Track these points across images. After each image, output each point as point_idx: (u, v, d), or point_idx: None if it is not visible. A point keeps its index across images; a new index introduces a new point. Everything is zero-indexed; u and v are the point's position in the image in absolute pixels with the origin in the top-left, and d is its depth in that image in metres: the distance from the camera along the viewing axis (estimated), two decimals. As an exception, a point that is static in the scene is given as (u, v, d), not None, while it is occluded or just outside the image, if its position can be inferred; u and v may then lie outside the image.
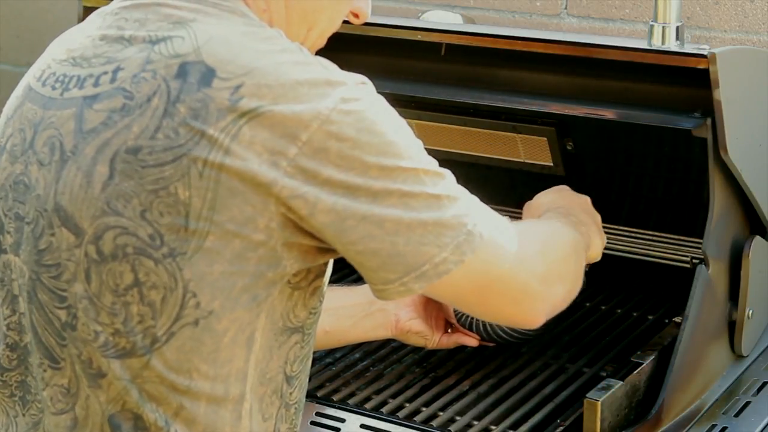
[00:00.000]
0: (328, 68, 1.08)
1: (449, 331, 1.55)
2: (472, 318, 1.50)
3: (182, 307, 1.06)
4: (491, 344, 1.55)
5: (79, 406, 1.10)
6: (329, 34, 1.23)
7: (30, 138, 1.12)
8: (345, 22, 1.26)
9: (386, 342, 1.63)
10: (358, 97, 1.06)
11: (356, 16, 1.25)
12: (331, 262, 1.16)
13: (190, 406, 1.09)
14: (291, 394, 1.17)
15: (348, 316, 1.44)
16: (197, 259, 1.05)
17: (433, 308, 1.53)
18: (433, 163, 1.10)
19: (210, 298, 1.06)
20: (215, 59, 1.06)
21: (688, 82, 1.40)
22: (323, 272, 1.15)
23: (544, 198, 1.45)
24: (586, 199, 1.46)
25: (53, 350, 1.11)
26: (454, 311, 1.51)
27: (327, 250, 1.10)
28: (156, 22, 1.11)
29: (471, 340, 1.53)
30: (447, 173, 1.11)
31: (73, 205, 1.08)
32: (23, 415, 1.15)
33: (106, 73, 1.10)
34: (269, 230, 1.05)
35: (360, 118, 1.05)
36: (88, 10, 1.72)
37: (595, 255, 1.41)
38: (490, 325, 1.50)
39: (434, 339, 1.53)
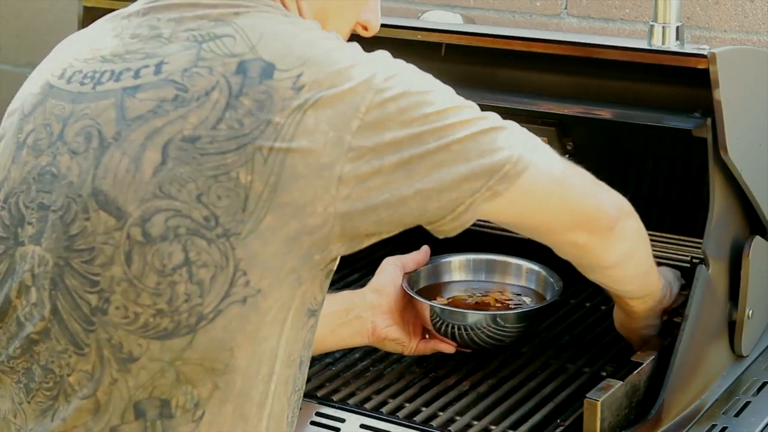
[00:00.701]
0: (360, 51, 1.16)
1: (426, 337, 1.55)
2: (448, 325, 1.50)
3: (231, 285, 1.09)
4: (468, 351, 1.55)
5: (101, 391, 1.11)
6: (345, 31, 1.28)
7: (58, 131, 1.15)
8: (354, 34, 1.29)
9: (386, 342, 1.63)
10: (394, 63, 1.15)
11: (365, 28, 1.31)
12: None
13: (225, 386, 1.11)
14: (299, 379, 1.19)
15: (325, 324, 1.44)
16: (251, 239, 1.08)
17: (410, 315, 1.54)
18: (473, 104, 1.18)
19: (259, 277, 1.09)
20: (272, 54, 1.11)
21: (688, 82, 1.40)
22: (338, 257, 1.17)
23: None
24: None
25: (77, 336, 1.12)
26: (431, 317, 1.52)
27: (375, 233, 1.15)
28: (194, 20, 1.15)
29: (448, 347, 1.54)
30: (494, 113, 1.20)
31: (116, 189, 1.10)
32: (28, 402, 1.16)
33: (147, 66, 1.13)
34: (326, 215, 1.09)
35: (405, 80, 1.13)
36: (88, 10, 1.72)
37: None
38: (466, 331, 1.50)
39: (411, 346, 1.54)
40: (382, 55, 1.16)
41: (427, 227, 1.18)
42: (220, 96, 1.09)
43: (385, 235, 1.16)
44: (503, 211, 1.19)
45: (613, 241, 1.29)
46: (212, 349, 1.09)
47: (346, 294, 1.54)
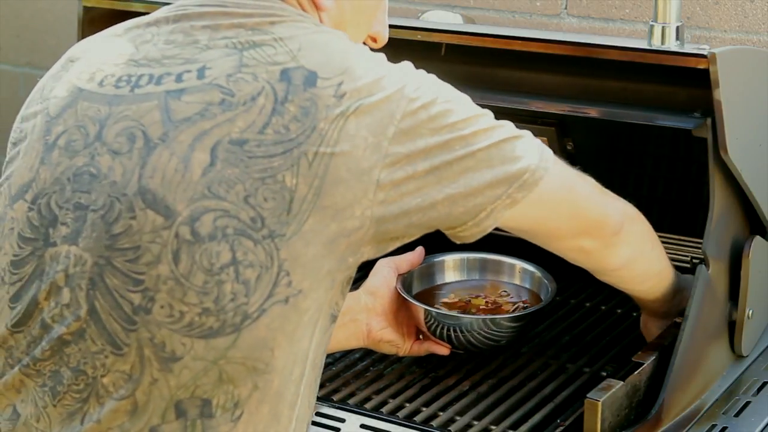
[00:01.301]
0: (386, 60, 1.20)
1: (420, 338, 1.56)
2: (443, 327, 1.51)
3: (275, 285, 1.11)
4: (462, 352, 1.55)
5: (140, 391, 1.12)
6: (360, 41, 1.31)
7: (95, 132, 1.17)
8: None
9: (386, 342, 1.63)
10: (420, 75, 1.20)
11: (374, 40, 1.35)
12: None
13: (263, 386, 1.13)
14: (317, 383, 1.21)
15: None
16: (295, 240, 1.11)
17: (404, 317, 1.55)
18: (487, 111, 1.23)
19: (301, 277, 1.12)
20: (313, 63, 1.15)
21: (688, 82, 1.40)
22: (358, 262, 1.20)
23: None
24: None
25: (117, 336, 1.13)
26: (425, 319, 1.52)
27: (402, 236, 1.19)
28: (230, 29, 1.18)
29: (442, 349, 1.55)
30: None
31: (165, 188, 1.12)
32: (53, 405, 1.16)
33: (189, 71, 1.16)
34: (363, 218, 1.13)
35: (432, 90, 1.18)
36: (88, 10, 1.72)
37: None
38: (461, 332, 1.50)
39: (405, 347, 1.56)
40: (408, 66, 1.20)
41: (447, 232, 1.23)
42: (266, 102, 1.13)
43: (407, 240, 1.20)
44: (520, 218, 1.23)
45: (617, 246, 1.35)
46: (255, 348, 1.11)
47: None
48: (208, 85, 1.15)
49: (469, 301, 1.60)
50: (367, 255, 1.17)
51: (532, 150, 1.22)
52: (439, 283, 1.65)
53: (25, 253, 1.18)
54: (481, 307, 1.59)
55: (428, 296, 1.60)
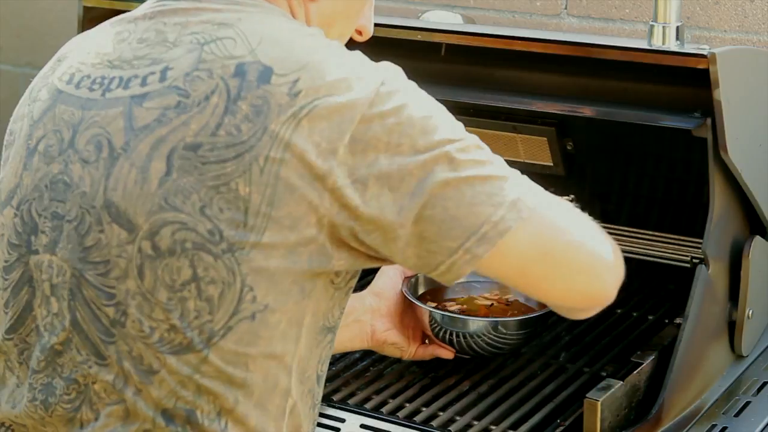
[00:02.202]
0: (365, 60, 1.13)
1: (426, 342, 1.55)
2: (448, 331, 1.50)
3: (240, 302, 1.08)
4: (467, 356, 1.55)
5: (126, 401, 1.11)
6: (347, 37, 1.28)
7: (69, 138, 1.13)
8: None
9: (386, 342, 1.63)
10: (398, 81, 1.11)
11: (360, 33, 1.30)
12: None
13: (244, 398, 1.10)
14: (318, 394, 1.19)
15: None
16: (255, 254, 1.07)
17: (409, 320, 1.54)
18: (475, 138, 1.12)
19: (265, 292, 1.08)
20: (270, 58, 1.09)
21: (688, 82, 1.40)
22: (358, 272, 1.16)
23: None
24: None
25: (98, 347, 1.11)
26: (430, 323, 1.51)
27: (376, 258, 1.12)
28: (199, 24, 1.13)
29: (447, 353, 1.54)
30: (488, 148, 1.13)
31: (126, 201, 1.09)
32: (50, 416, 1.14)
33: (153, 73, 1.12)
34: (321, 226, 1.08)
35: (405, 100, 1.09)
36: (88, 10, 1.72)
37: None
38: (465, 338, 1.50)
39: (410, 350, 1.54)
40: (387, 67, 1.12)
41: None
42: (219, 100, 1.08)
43: (391, 263, 1.13)
44: (491, 271, 1.12)
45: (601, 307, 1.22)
46: (227, 364, 1.09)
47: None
48: (167, 88, 1.10)
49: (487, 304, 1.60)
50: (342, 267, 1.11)
51: (503, 195, 1.09)
52: (445, 285, 1.64)
53: (12, 259, 1.16)
54: (489, 307, 1.59)
55: (434, 299, 1.60)
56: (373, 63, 1.13)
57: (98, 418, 1.12)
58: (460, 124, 1.13)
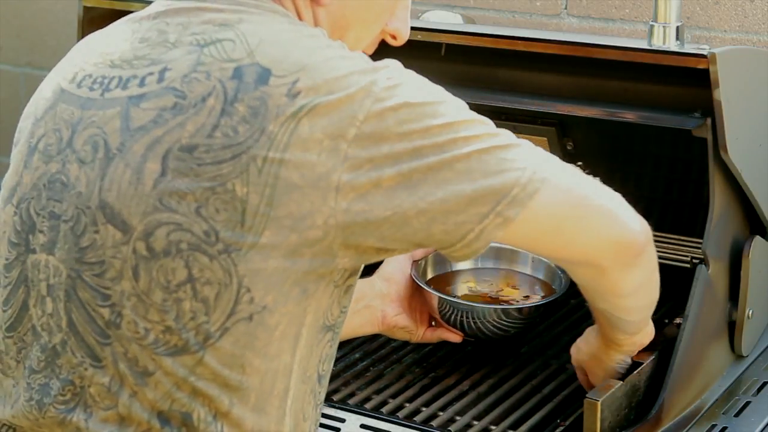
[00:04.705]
0: (366, 59, 1.12)
1: (433, 324, 1.56)
2: (456, 314, 1.51)
3: (236, 303, 1.07)
4: (473, 340, 1.56)
5: (121, 404, 1.10)
6: (367, 42, 1.25)
7: (67, 137, 1.13)
8: (383, 43, 1.27)
9: (386, 342, 1.63)
10: (400, 73, 1.11)
11: (394, 37, 1.27)
12: None
13: (240, 402, 1.09)
14: (320, 393, 1.18)
15: None
16: (252, 254, 1.06)
17: (417, 303, 1.55)
18: (481, 116, 1.13)
19: (264, 293, 1.07)
20: (269, 59, 1.08)
21: (688, 82, 1.40)
22: (357, 270, 1.15)
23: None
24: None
25: (94, 349, 1.11)
26: (438, 307, 1.52)
27: (384, 249, 1.11)
28: (200, 25, 1.13)
29: (454, 336, 1.54)
30: (493, 124, 1.14)
31: (120, 202, 1.08)
32: (43, 418, 1.14)
33: (151, 74, 1.11)
34: (327, 227, 1.06)
35: (408, 91, 1.09)
36: (88, 10, 1.72)
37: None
38: (474, 321, 1.51)
39: (419, 333, 1.55)
40: (389, 64, 1.11)
41: (441, 252, 1.14)
42: (215, 102, 1.07)
43: (399, 253, 1.13)
44: (519, 237, 1.13)
45: (635, 269, 1.23)
46: (224, 366, 1.08)
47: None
48: (165, 89, 1.09)
49: (491, 292, 1.61)
50: (346, 264, 1.10)
51: (525, 159, 1.10)
52: (453, 269, 1.65)
53: (12, 257, 1.16)
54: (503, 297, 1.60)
55: (442, 283, 1.60)
56: (374, 62, 1.12)
57: (92, 422, 1.11)
58: (464, 104, 1.13)
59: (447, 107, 1.10)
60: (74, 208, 1.11)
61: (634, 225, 1.20)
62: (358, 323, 1.50)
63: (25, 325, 1.16)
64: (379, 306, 1.52)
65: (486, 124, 1.12)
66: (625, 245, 1.19)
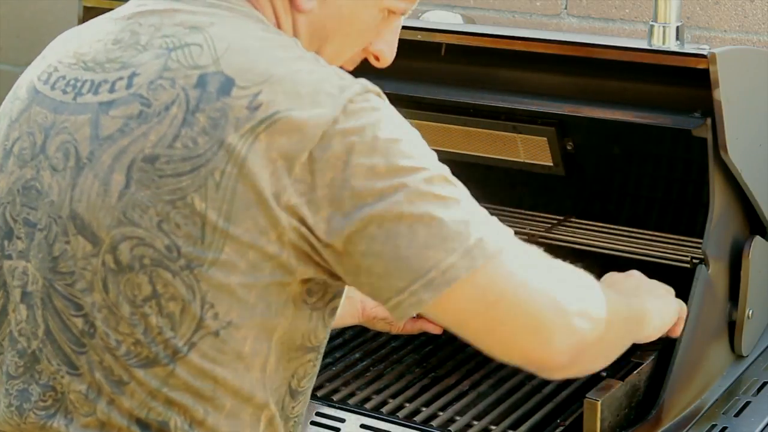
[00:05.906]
0: (343, 77, 1.07)
1: (415, 316, 1.55)
2: None
3: (201, 319, 1.05)
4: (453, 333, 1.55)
5: (99, 411, 1.10)
6: (345, 57, 1.21)
7: (41, 142, 1.12)
8: (366, 62, 1.24)
9: (386, 342, 1.63)
10: (370, 99, 1.06)
11: (377, 58, 1.23)
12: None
13: (215, 410, 1.08)
14: (293, 408, 1.17)
15: None
16: (214, 271, 1.04)
17: None
18: (444, 169, 1.07)
19: (227, 308, 1.05)
20: (234, 69, 1.05)
21: (688, 82, 1.40)
22: (341, 293, 1.14)
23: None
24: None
25: (70, 357, 1.10)
26: None
27: (337, 276, 1.09)
28: (171, 27, 1.10)
29: (435, 328, 1.54)
30: (459, 183, 1.08)
31: (90, 214, 1.07)
32: (24, 423, 1.14)
33: (121, 78, 1.09)
34: (281, 243, 1.04)
35: (371, 119, 1.04)
36: (88, 10, 1.72)
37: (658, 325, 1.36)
38: None
39: (399, 324, 1.55)
40: (362, 84, 1.06)
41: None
42: (178, 111, 1.05)
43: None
44: (433, 317, 1.08)
45: (575, 366, 1.14)
46: (195, 378, 1.07)
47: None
48: (132, 96, 1.07)
49: None
50: (309, 274, 1.07)
51: (462, 238, 1.03)
52: None
53: None
54: None
55: None
56: (349, 78, 1.07)
57: (73, 427, 1.11)
58: (432, 153, 1.07)
59: (406, 147, 1.04)
60: (47, 217, 1.10)
61: (559, 344, 1.08)
62: (338, 314, 1.49)
63: (4, 330, 1.15)
64: (358, 297, 1.51)
65: (440, 180, 1.05)
66: (536, 364, 1.11)
